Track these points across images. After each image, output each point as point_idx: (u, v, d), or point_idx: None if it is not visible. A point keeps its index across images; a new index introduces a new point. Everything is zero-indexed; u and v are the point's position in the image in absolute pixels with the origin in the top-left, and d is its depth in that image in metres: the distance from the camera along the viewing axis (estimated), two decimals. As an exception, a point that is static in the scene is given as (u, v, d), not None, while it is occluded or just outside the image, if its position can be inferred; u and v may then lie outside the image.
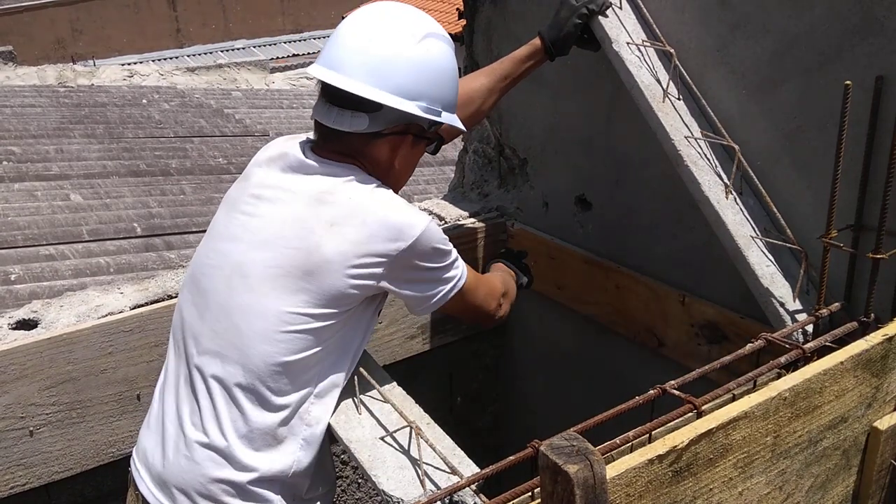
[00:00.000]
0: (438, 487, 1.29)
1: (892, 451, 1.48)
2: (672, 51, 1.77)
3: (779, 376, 1.32)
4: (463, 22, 2.55)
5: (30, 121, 5.43)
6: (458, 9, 2.55)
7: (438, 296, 1.51)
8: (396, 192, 1.55)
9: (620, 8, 1.83)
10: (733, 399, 1.27)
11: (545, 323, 2.51)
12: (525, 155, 2.42)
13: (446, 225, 2.42)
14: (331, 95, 1.46)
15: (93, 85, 7.46)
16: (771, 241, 1.62)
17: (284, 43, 20.02)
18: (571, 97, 2.18)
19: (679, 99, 1.75)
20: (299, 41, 21.16)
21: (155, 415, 1.52)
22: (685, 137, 1.67)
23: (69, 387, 1.85)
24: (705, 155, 1.67)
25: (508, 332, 2.68)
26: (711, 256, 1.86)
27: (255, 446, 1.41)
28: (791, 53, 1.60)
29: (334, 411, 1.50)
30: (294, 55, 19.22)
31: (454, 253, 1.52)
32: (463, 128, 1.68)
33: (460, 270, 1.54)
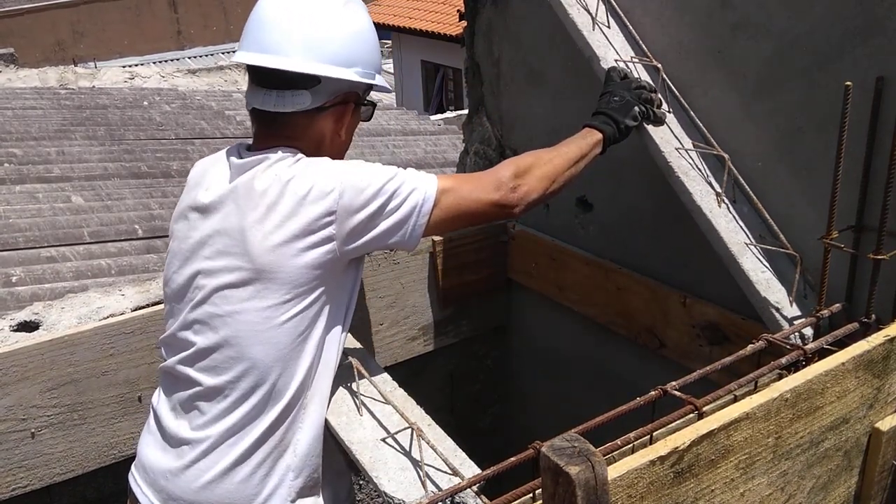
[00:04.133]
0: (440, 489, 1.29)
1: (894, 452, 1.47)
2: (659, 66, 1.78)
3: (780, 377, 1.32)
4: (464, 23, 2.55)
5: (31, 123, 5.44)
6: (458, 10, 2.55)
7: (412, 220, 1.41)
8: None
9: (608, 27, 1.83)
10: (734, 400, 1.27)
11: (546, 324, 2.50)
12: (526, 156, 2.42)
13: (447, 226, 2.42)
14: (265, 79, 1.45)
15: (94, 87, 7.47)
16: (765, 246, 1.62)
17: (285, 44, 19.97)
18: (572, 98, 2.18)
19: (669, 111, 1.75)
20: (300, 43, 21.12)
21: (153, 424, 1.53)
22: (676, 149, 1.68)
23: (70, 388, 1.85)
24: (696, 165, 1.68)
25: (509, 333, 2.68)
26: (712, 257, 1.86)
27: (249, 444, 1.41)
28: (791, 54, 1.60)
29: (330, 399, 1.51)
30: (295, 57, 19.19)
31: (400, 174, 1.43)
32: (390, 88, 1.66)
33: (420, 185, 1.43)
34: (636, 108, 1.65)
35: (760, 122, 1.69)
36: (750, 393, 1.25)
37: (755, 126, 1.70)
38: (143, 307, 2.01)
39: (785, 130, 1.65)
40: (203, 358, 1.44)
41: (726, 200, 1.65)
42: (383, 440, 1.43)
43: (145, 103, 6.45)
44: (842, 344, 1.39)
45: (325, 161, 1.44)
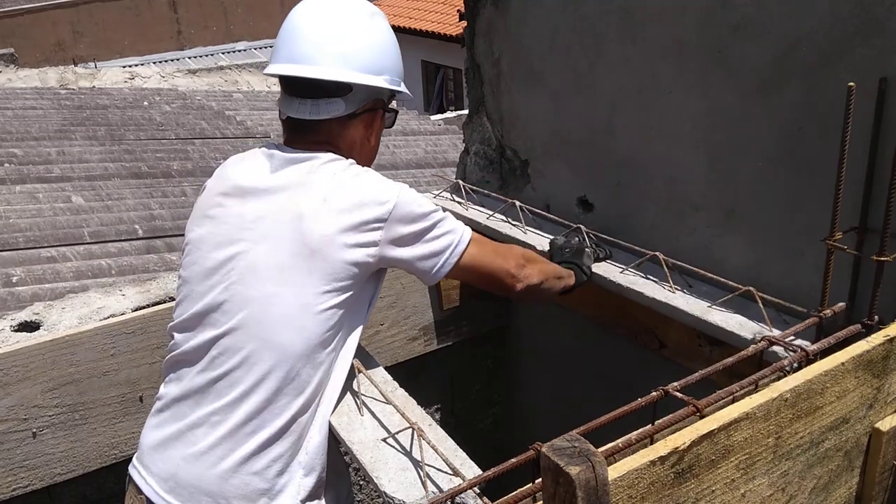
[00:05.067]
0: (440, 489, 1.29)
1: (895, 452, 1.47)
2: (581, 226, 2.08)
3: (781, 378, 1.32)
4: (464, 24, 2.55)
5: (31, 123, 5.44)
6: (458, 11, 2.56)
7: (443, 257, 1.53)
8: (369, 166, 1.63)
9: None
10: (735, 401, 1.26)
11: (546, 324, 2.51)
12: (526, 156, 2.42)
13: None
14: (300, 89, 1.53)
15: (94, 87, 7.47)
16: (721, 300, 1.75)
17: (285, 45, 19.97)
18: (572, 99, 2.18)
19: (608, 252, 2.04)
20: (300, 43, 21.11)
21: (164, 413, 1.51)
22: (621, 272, 1.96)
23: (72, 388, 1.85)
24: (644, 276, 1.93)
25: (510, 333, 2.68)
26: (713, 258, 1.87)
27: (268, 435, 1.42)
28: (792, 54, 1.60)
29: (339, 400, 1.52)
30: (295, 57, 19.19)
31: (443, 212, 1.56)
32: (412, 95, 1.76)
33: (459, 228, 1.57)
34: (587, 250, 1.97)
35: (760, 122, 1.69)
36: (750, 393, 1.25)
37: (755, 126, 1.71)
38: (144, 307, 2.01)
39: (786, 131, 1.65)
40: (228, 340, 1.43)
41: (675, 286, 1.84)
42: (384, 440, 1.43)
43: (145, 103, 6.46)
44: (844, 345, 1.39)
45: (377, 173, 1.53)
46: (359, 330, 1.53)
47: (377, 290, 1.59)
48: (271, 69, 1.56)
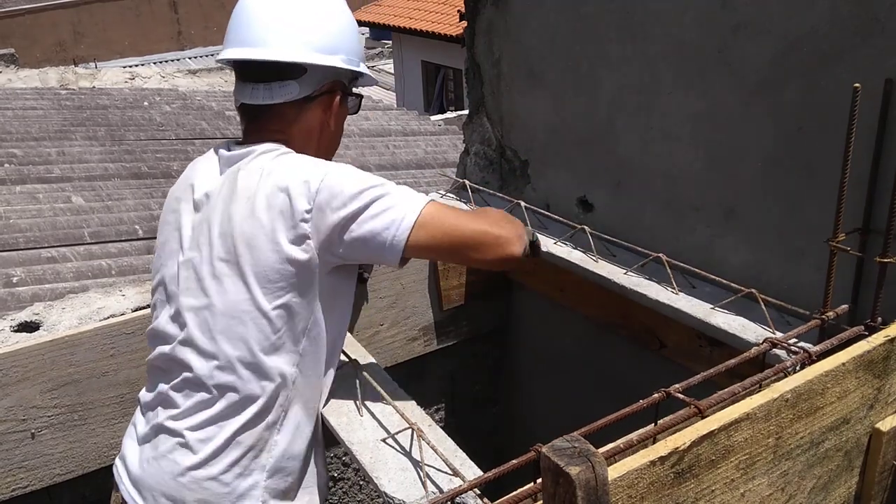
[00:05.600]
0: (440, 489, 1.29)
1: (895, 453, 1.47)
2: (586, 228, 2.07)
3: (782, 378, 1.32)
4: (464, 24, 2.55)
5: (31, 123, 5.44)
6: (459, 11, 2.56)
7: (389, 233, 1.36)
8: (331, 156, 1.58)
9: None
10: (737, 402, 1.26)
11: (547, 325, 2.50)
12: (526, 156, 2.42)
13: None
14: (252, 73, 1.48)
15: (94, 87, 7.47)
16: (725, 301, 1.74)
17: (285, 45, 19.96)
18: (572, 99, 2.18)
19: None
20: (300, 43, 21.12)
21: (138, 415, 1.53)
22: (624, 274, 1.96)
23: (71, 389, 1.85)
24: (648, 277, 1.93)
25: (510, 333, 2.68)
26: (713, 258, 1.87)
27: (230, 439, 1.40)
28: (792, 54, 1.60)
29: (322, 405, 1.50)
30: (295, 57, 19.20)
31: (382, 182, 1.40)
32: (375, 78, 1.70)
33: (401, 199, 1.38)
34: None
35: (760, 122, 1.69)
36: (752, 394, 1.25)
37: (756, 126, 1.71)
38: (144, 307, 2.01)
39: (787, 131, 1.65)
40: (180, 351, 1.44)
41: (678, 288, 1.84)
42: (384, 440, 1.43)
43: (146, 104, 6.45)
44: (846, 347, 1.39)
45: (308, 158, 1.45)
46: (327, 337, 1.45)
47: (347, 294, 1.50)
48: (221, 55, 1.50)
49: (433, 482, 1.31)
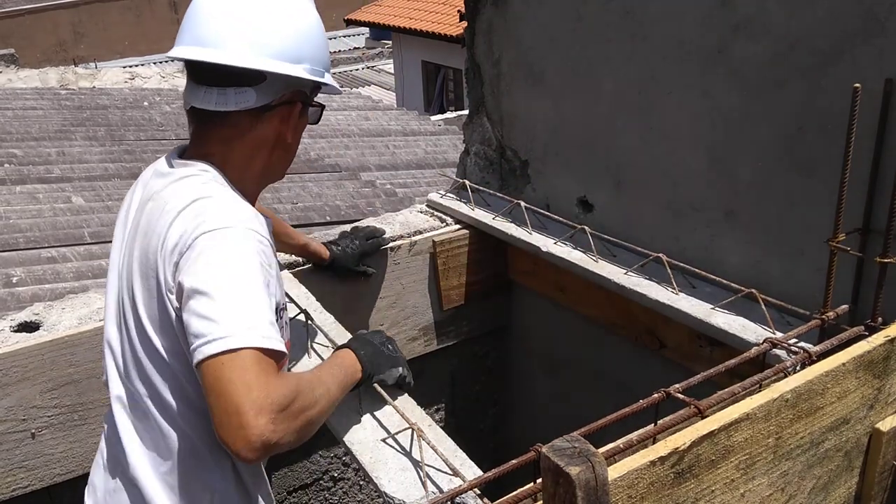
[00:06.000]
0: (440, 489, 1.29)
1: (895, 453, 1.47)
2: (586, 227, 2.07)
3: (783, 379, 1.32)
4: (464, 24, 2.55)
5: (31, 123, 5.44)
6: (459, 11, 2.55)
7: (193, 343, 1.13)
8: (278, 172, 1.47)
9: None
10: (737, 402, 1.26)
11: (547, 325, 2.50)
12: (526, 157, 2.42)
13: (447, 227, 2.42)
14: (206, 76, 1.33)
15: (94, 87, 7.47)
16: (725, 301, 1.73)
17: (286, 45, 19.96)
18: (572, 99, 2.18)
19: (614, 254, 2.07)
20: (300, 43, 21.12)
21: (102, 443, 1.48)
22: (624, 274, 1.96)
23: (71, 389, 1.85)
24: (648, 277, 1.92)
25: (509, 333, 2.68)
26: (713, 258, 1.87)
27: (171, 482, 1.32)
28: (792, 54, 1.60)
29: None
30: (295, 57, 19.20)
31: (242, 291, 1.16)
32: (340, 88, 1.55)
33: (237, 328, 1.12)
34: (400, 371, 1.54)
35: (760, 122, 1.69)
36: (752, 394, 1.25)
37: (755, 127, 1.71)
38: (144, 308, 2.00)
39: (785, 131, 1.65)
40: (115, 383, 1.39)
41: (678, 288, 1.83)
42: (383, 440, 1.43)
43: (146, 104, 6.45)
44: (847, 348, 1.39)
45: (215, 199, 1.28)
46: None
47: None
48: (172, 52, 1.35)
49: (433, 482, 1.31)
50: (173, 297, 1.22)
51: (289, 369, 1.65)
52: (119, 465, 1.38)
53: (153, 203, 1.32)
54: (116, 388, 1.39)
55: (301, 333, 1.77)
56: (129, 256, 1.35)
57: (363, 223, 2.37)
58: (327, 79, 1.43)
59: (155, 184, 1.36)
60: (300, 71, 1.35)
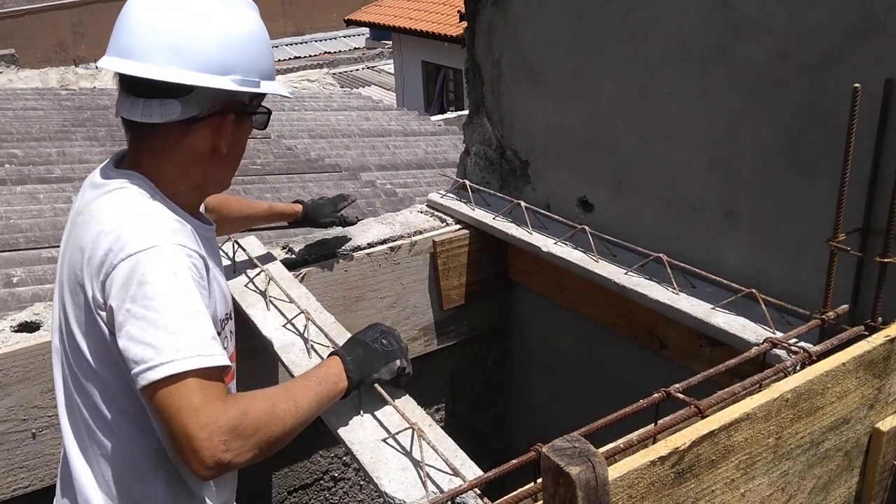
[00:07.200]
0: (441, 489, 1.29)
1: (895, 453, 1.47)
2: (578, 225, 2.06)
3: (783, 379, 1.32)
4: (464, 24, 2.55)
5: (32, 123, 5.44)
6: (459, 11, 2.55)
7: (133, 369, 1.13)
8: (221, 184, 1.45)
9: None
10: (737, 402, 1.26)
11: (547, 325, 2.51)
12: (526, 157, 2.42)
13: (447, 227, 2.42)
14: (131, 86, 1.30)
15: (95, 87, 7.47)
16: (725, 301, 1.73)
17: (286, 45, 20.04)
18: (573, 99, 2.18)
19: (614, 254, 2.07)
20: (300, 44, 21.16)
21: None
22: (624, 274, 1.95)
23: (71, 389, 1.85)
24: (648, 277, 1.92)
25: (510, 333, 2.68)
26: (713, 258, 1.87)
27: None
28: (793, 55, 1.60)
29: None
30: (296, 57, 19.24)
31: (181, 314, 1.16)
32: (287, 94, 1.53)
33: (176, 349, 1.12)
34: (398, 364, 1.48)
35: (760, 122, 1.69)
36: (752, 394, 1.25)
37: (756, 127, 1.71)
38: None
39: (786, 131, 1.65)
40: (63, 389, 1.38)
41: (678, 288, 1.83)
42: (384, 440, 1.43)
43: (146, 104, 6.44)
44: (846, 346, 1.39)
45: (138, 220, 1.26)
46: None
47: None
48: (101, 61, 1.32)
49: (433, 482, 1.31)
50: (104, 314, 1.21)
51: (290, 371, 1.65)
52: (67, 478, 1.37)
53: (82, 217, 1.31)
54: (60, 398, 1.38)
55: (301, 333, 1.77)
56: (62, 268, 1.35)
57: (363, 223, 2.37)
58: (264, 87, 1.37)
59: (87, 195, 1.35)
60: (227, 83, 1.30)
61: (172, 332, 1.14)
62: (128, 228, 1.22)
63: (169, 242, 1.22)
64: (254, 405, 1.17)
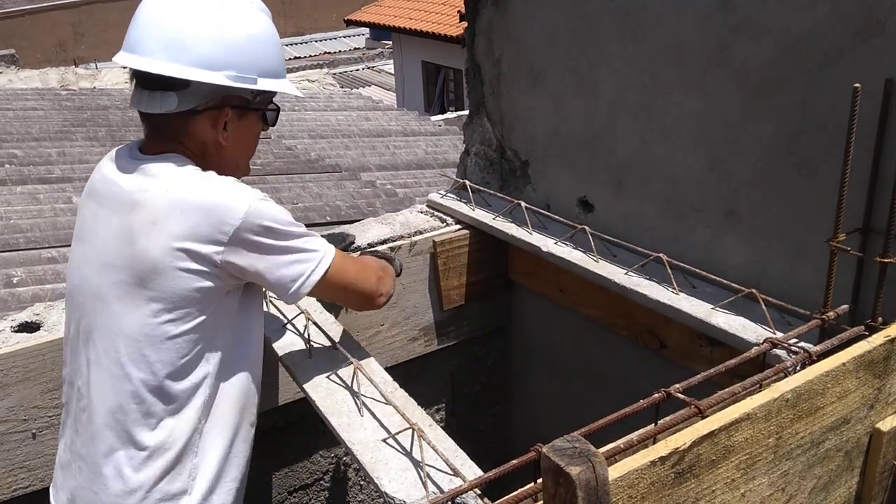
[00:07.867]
0: (441, 489, 1.29)
1: (895, 453, 1.47)
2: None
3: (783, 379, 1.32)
4: (464, 24, 2.55)
5: (32, 124, 5.45)
6: (459, 11, 2.56)
7: (301, 278, 1.44)
8: (235, 172, 1.50)
9: None
10: (737, 402, 1.26)
11: (547, 325, 2.51)
12: (527, 157, 2.42)
13: (447, 227, 2.42)
14: (141, 79, 1.41)
15: (95, 88, 7.47)
16: (726, 301, 1.73)
17: (286, 46, 20.04)
18: (573, 99, 2.18)
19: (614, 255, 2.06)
20: (300, 44, 21.18)
21: (63, 442, 1.51)
22: (624, 274, 1.95)
23: (72, 389, 1.85)
24: (648, 277, 1.92)
25: (510, 334, 2.68)
26: (713, 258, 1.87)
27: (144, 469, 1.37)
28: (792, 54, 1.60)
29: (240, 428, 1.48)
30: (296, 57, 19.25)
31: (301, 230, 1.44)
32: (298, 93, 1.64)
33: (320, 248, 1.46)
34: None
35: (760, 122, 1.69)
36: (753, 394, 1.25)
37: (756, 127, 1.71)
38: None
39: (785, 131, 1.65)
40: (85, 372, 1.42)
41: (678, 288, 1.83)
42: (384, 441, 1.43)
43: (146, 104, 6.45)
44: (846, 346, 1.39)
45: (224, 180, 1.40)
46: (233, 360, 1.45)
47: (248, 311, 1.49)
48: (115, 57, 1.44)
49: (433, 482, 1.31)
50: (217, 272, 1.36)
51: (290, 371, 1.66)
52: (81, 460, 1.42)
53: (143, 195, 1.37)
54: (90, 373, 1.42)
55: (301, 333, 1.77)
56: (104, 255, 1.39)
57: (363, 223, 2.38)
58: (263, 84, 1.45)
59: (131, 184, 1.40)
60: (220, 78, 1.39)
61: (309, 241, 1.46)
62: (221, 193, 1.36)
63: (255, 196, 1.39)
64: (371, 261, 1.72)
